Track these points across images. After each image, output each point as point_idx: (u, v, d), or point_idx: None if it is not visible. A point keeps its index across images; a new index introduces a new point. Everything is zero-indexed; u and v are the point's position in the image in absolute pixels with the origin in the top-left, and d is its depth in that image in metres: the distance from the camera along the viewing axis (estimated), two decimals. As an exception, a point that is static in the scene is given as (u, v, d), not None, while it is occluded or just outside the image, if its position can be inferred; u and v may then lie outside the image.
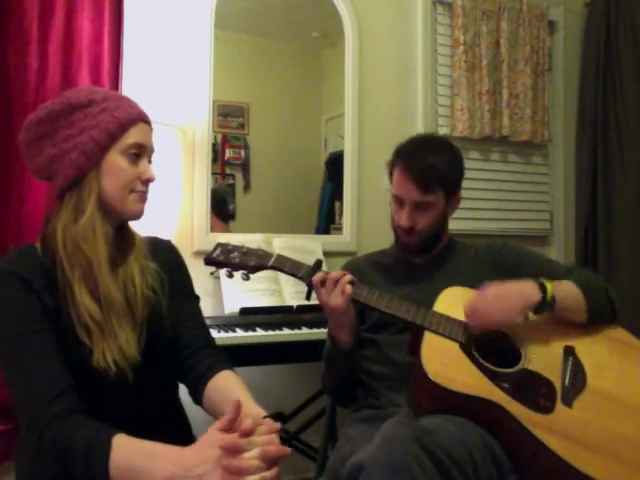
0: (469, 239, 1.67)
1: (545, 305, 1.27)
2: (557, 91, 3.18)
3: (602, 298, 1.36)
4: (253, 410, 1.01)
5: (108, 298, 1.07)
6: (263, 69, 2.65)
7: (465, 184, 1.56)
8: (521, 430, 1.12)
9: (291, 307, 2.17)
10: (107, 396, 1.06)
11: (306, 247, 2.38)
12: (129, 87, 2.10)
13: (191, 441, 0.94)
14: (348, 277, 1.34)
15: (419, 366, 1.19)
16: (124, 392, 1.08)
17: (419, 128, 2.74)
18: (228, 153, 2.56)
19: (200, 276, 2.04)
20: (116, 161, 1.10)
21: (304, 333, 1.98)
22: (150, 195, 1.17)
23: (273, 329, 1.95)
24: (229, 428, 0.91)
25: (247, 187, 2.61)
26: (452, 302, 1.35)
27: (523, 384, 1.21)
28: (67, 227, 1.07)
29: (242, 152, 2.60)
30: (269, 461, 0.90)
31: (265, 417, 0.98)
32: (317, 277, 1.34)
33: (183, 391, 1.22)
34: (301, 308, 2.15)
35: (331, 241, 2.59)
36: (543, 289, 1.28)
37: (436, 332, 1.28)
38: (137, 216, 1.15)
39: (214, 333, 1.81)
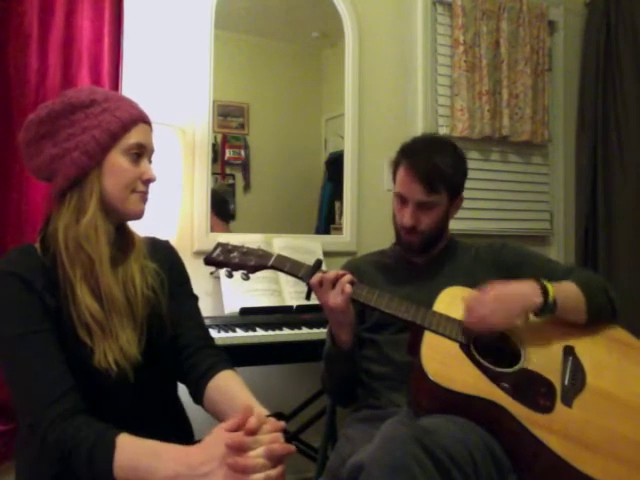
0: (469, 239, 1.67)
1: (547, 308, 1.27)
2: (557, 91, 3.18)
3: (602, 298, 1.36)
4: (256, 409, 1.01)
5: (110, 297, 1.08)
6: (263, 69, 2.65)
7: (465, 184, 1.56)
8: (521, 430, 1.12)
9: (291, 307, 2.17)
10: (108, 396, 1.06)
11: (306, 247, 2.38)
12: (129, 87, 2.10)
13: (192, 441, 0.94)
14: (348, 277, 1.34)
15: (419, 366, 1.19)
16: (125, 392, 1.08)
17: (419, 128, 2.74)
18: (228, 153, 2.56)
19: (200, 276, 2.04)
20: (117, 161, 1.10)
21: (304, 333, 1.98)
22: (150, 195, 1.17)
23: (273, 329, 1.95)
24: (236, 430, 0.91)
25: (247, 187, 2.61)
26: (452, 302, 1.35)
27: (523, 384, 1.21)
28: (69, 227, 1.08)
29: (242, 152, 2.60)
30: (274, 459, 0.90)
31: (268, 416, 0.98)
32: (317, 277, 1.34)
33: (183, 391, 1.22)
34: (301, 308, 2.15)
35: (331, 241, 2.59)
36: (544, 291, 1.27)
37: (436, 332, 1.28)
38: (138, 216, 1.16)
39: (214, 333, 1.81)
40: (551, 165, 3.18)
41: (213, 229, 2.34)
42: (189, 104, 2.32)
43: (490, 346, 1.28)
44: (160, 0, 2.28)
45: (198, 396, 1.15)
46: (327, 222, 2.73)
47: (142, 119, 1.14)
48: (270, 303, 2.18)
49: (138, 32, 2.20)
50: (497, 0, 2.89)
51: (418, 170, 1.43)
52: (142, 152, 1.13)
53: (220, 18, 2.36)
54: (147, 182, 1.14)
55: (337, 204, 2.70)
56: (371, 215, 2.65)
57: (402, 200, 1.47)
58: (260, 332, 1.92)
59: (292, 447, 0.93)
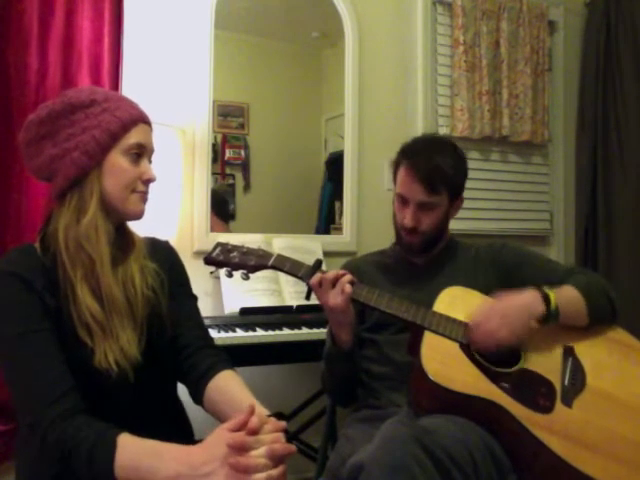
0: (469, 239, 1.67)
1: (550, 316, 1.27)
2: (557, 91, 3.18)
3: (603, 301, 1.36)
4: (257, 409, 1.01)
5: (110, 297, 1.08)
6: (263, 69, 2.65)
7: (465, 184, 1.56)
8: (521, 430, 1.12)
9: (291, 307, 2.17)
10: (108, 396, 1.06)
11: (306, 247, 2.38)
12: (129, 87, 2.10)
13: (192, 441, 0.94)
14: (348, 277, 1.34)
15: (419, 366, 1.19)
16: (125, 392, 1.08)
17: (419, 128, 2.74)
18: (228, 153, 2.56)
19: (200, 276, 2.04)
20: (117, 161, 1.10)
21: (304, 333, 1.98)
22: (150, 195, 1.17)
23: (273, 329, 1.95)
24: (238, 430, 0.91)
25: (247, 187, 2.61)
26: (452, 302, 1.35)
27: (523, 384, 1.21)
28: (69, 227, 1.08)
29: (242, 152, 2.60)
30: (276, 459, 0.90)
31: (269, 416, 0.98)
32: (316, 277, 1.34)
33: (183, 391, 1.22)
34: (301, 308, 2.15)
35: (331, 241, 2.59)
36: (546, 299, 1.27)
37: (436, 332, 1.28)
38: (138, 216, 1.16)
39: (214, 333, 1.81)
40: (551, 165, 3.18)
41: (213, 229, 2.34)
42: (189, 104, 2.32)
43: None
44: (160, 0, 2.28)
45: (198, 396, 1.15)
46: (327, 222, 2.73)
47: (142, 119, 1.14)
48: (270, 303, 2.18)
49: (138, 32, 2.20)
50: (497, 0, 2.89)
51: (419, 170, 1.42)
52: (142, 152, 1.13)
53: (220, 18, 2.36)
54: (147, 182, 1.14)
55: (337, 204, 2.70)
56: (371, 215, 2.65)
57: (403, 201, 1.47)
58: (260, 332, 1.92)
59: (293, 447, 0.93)
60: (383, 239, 1.76)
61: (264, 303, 2.17)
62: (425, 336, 1.27)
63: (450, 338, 1.27)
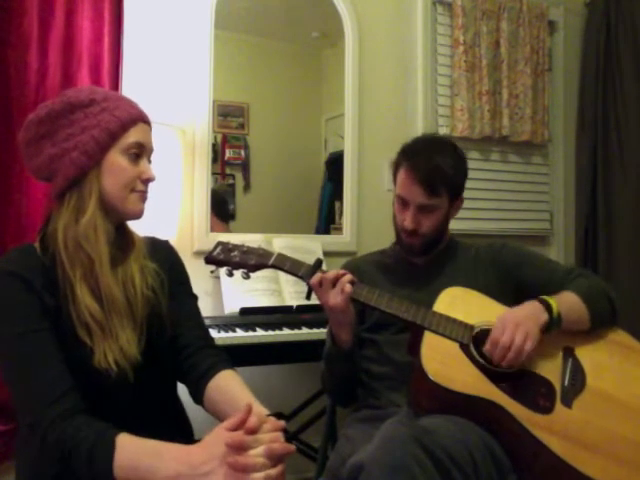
0: (469, 239, 1.67)
1: (553, 323, 1.26)
2: (557, 91, 3.18)
3: (604, 304, 1.36)
4: (256, 409, 1.01)
5: (110, 297, 1.07)
6: (263, 69, 2.65)
7: (466, 184, 1.55)
8: (521, 430, 1.12)
9: (291, 307, 2.17)
10: (108, 396, 1.06)
11: (306, 247, 2.38)
12: (129, 87, 2.10)
13: (192, 441, 0.94)
14: (348, 276, 1.34)
15: (419, 366, 1.19)
16: (125, 392, 1.08)
17: (419, 128, 2.74)
18: (228, 153, 2.56)
19: (200, 276, 2.04)
20: (117, 160, 1.10)
21: (304, 333, 1.98)
22: (150, 195, 1.17)
23: (273, 329, 1.95)
24: (237, 429, 0.91)
25: (247, 187, 2.61)
26: (452, 302, 1.35)
27: (523, 384, 1.21)
28: (68, 227, 1.07)
29: (242, 152, 2.60)
30: (274, 458, 0.90)
31: (269, 415, 0.98)
32: (317, 277, 1.34)
33: (183, 391, 1.22)
34: (301, 308, 2.15)
35: (331, 241, 2.59)
36: (548, 307, 1.27)
37: (436, 332, 1.28)
38: (137, 216, 1.16)
39: (214, 333, 1.81)
40: (551, 165, 3.18)
41: (213, 229, 2.34)
42: (189, 104, 2.32)
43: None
44: (160, 0, 2.28)
45: (198, 396, 1.15)
46: (327, 222, 2.73)
47: (141, 119, 1.14)
48: (270, 303, 2.18)
49: (138, 32, 2.20)
50: (497, 0, 2.89)
51: (419, 172, 1.42)
52: (141, 151, 1.13)
53: (220, 18, 2.36)
54: (146, 181, 1.14)
55: (337, 204, 2.70)
56: (371, 215, 2.65)
57: (403, 202, 1.47)
58: (260, 332, 1.92)
59: (292, 446, 0.93)
60: (383, 239, 1.76)
61: (264, 303, 2.17)
62: (425, 336, 1.27)
63: (450, 338, 1.27)
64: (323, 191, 2.75)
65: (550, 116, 3.09)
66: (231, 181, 2.58)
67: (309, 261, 1.40)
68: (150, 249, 1.21)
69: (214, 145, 2.43)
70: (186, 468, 0.89)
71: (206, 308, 2.10)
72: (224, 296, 2.14)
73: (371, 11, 2.70)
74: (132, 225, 1.20)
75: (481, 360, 1.23)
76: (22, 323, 1.02)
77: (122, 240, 1.16)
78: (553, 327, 1.27)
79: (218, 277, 2.18)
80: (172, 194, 2.13)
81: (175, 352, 1.19)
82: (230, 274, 1.39)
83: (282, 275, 2.20)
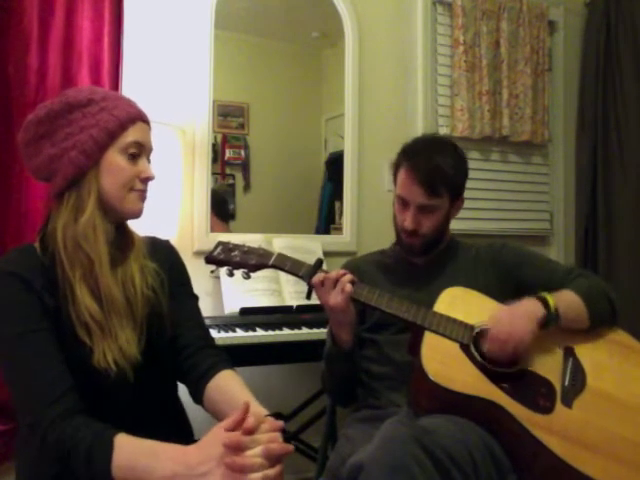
0: (469, 239, 1.67)
1: (550, 319, 1.27)
2: (557, 91, 3.18)
3: (603, 303, 1.36)
4: (255, 409, 1.00)
5: (109, 297, 1.07)
6: (263, 69, 2.65)
7: (466, 184, 1.55)
8: (521, 430, 1.12)
9: (291, 307, 2.17)
10: (108, 396, 1.06)
11: (306, 247, 2.38)
12: (129, 87, 2.10)
13: (191, 441, 0.94)
14: (348, 276, 1.34)
15: (419, 366, 1.19)
16: (125, 392, 1.08)
17: (419, 128, 2.74)
18: (228, 153, 2.56)
19: (200, 276, 2.04)
20: (115, 160, 1.10)
21: (304, 333, 1.98)
22: (150, 195, 1.17)
23: (273, 329, 1.95)
24: (235, 429, 0.91)
25: (247, 187, 2.61)
26: (452, 302, 1.35)
27: (523, 384, 1.21)
28: (67, 226, 1.07)
29: (242, 152, 2.60)
30: (272, 459, 0.90)
31: (267, 415, 0.98)
32: (319, 276, 1.34)
33: (183, 391, 1.22)
34: (301, 308, 2.15)
35: (331, 241, 2.59)
36: (545, 303, 1.27)
37: (436, 332, 1.28)
38: (136, 215, 1.15)
39: (214, 333, 1.81)
40: (551, 165, 3.18)
41: (213, 229, 2.34)
42: (189, 104, 2.32)
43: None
44: (160, 0, 2.28)
45: (198, 396, 1.15)
46: (327, 222, 2.73)
47: (140, 118, 1.14)
48: (270, 303, 2.18)
49: (138, 32, 2.20)
50: (497, 0, 2.89)
51: (419, 172, 1.42)
52: (140, 151, 1.13)
53: (220, 18, 2.36)
54: (145, 180, 1.14)
55: (337, 204, 2.70)
56: (371, 215, 2.65)
57: (403, 203, 1.46)
58: (260, 332, 1.92)
59: (290, 447, 0.93)
60: (383, 239, 1.76)
61: (264, 303, 2.17)
62: (425, 336, 1.27)
63: (450, 338, 1.27)
64: (323, 191, 2.75)
65: (550, 116, 3.09)
66: (231, 181, 2.58)
67: (309, 261, 1.40)
68: (150, 249, 1.21)
69: (214, 145, 2.43)
70: (183, 468, 0.88)
71: (206, 308, 2.09)
72: (224, 296, 2.14)
73: (371, 11, 2.70)
74: (132, 225, 1.20)
75: (481, 360, 1.23)
76: (22, 323, 1.02)
77: (122, 240, 1.16)
78: (551, 323, 1.27)
79: (218, 277, 2.18)
80: (172, 194, 2.13)
81: (175, 352, 1.19)
82: (231, 274, 1.39)
83: (282, 275, 2.20)
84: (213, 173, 2.41)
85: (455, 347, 1.26)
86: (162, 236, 1.32)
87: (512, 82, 2.92)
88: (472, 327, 1.29)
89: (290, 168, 2.73)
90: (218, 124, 2.49)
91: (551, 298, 1.28)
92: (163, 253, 1.25)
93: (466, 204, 1.59)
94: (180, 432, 1.21)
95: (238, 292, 2.15)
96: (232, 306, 2.13)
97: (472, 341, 1.27)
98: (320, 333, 1.91)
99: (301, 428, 2.30)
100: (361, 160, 2.66)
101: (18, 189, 1.92)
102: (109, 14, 2.05)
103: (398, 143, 1.55)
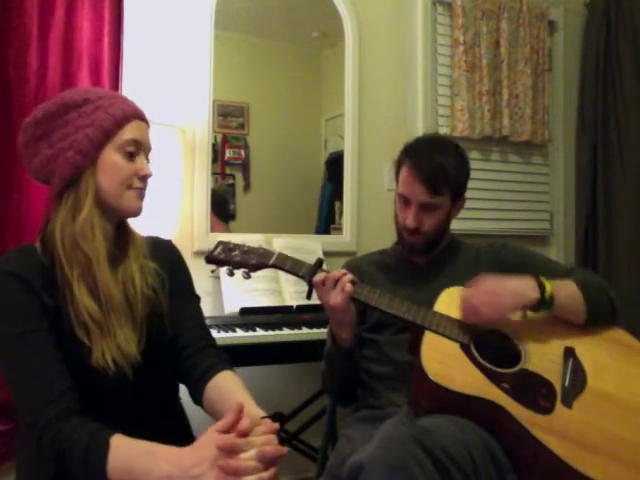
0: (469, 239, 1.67)
1: (543, 304, 1.27)
2: (557, 91, 3.18)
3: (602, 299, 1.36)
4: (252, 411, 1.00)
5: (108, 296, 1.07)
6: (263, 69, 2.65)
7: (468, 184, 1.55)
8: (521, 430, 1.12)
9: (291, 307, 2.17)
10: (107, 396, 1.06)
11: (306, 247, 2.38)
12: (129, 87, 2.10)
13: (191, 441, 0.94)
14: (349, 276, 1.34)
15: (419, 366, 1.19)
16: (124, 392, 1.08)
17: (419, 128, 2.74)
18: (228, 153, 2.56)
19: (200, 276, 2.03)
20: (112, 158, 1.10)
21: (304, 333, 1.98)
22: (150, 194, 1.17)
23: (273, 329, 1.95)
24: (228, 430, 0.91)
25: (247, 187, 2.61)
26: (452, 302, 1.35)
27: (523, 384, 1.21)
28: (65, 225, 1.07)
29: (242, 152, 2.60)
30: (266, 461, 0.89)
31: (263, 417, 0.98)
32: (320, 276, 1.34)
33: (183, 391, 1.22)
34: (301, 308, 2.15)
35: (331, 241, 2.59)
36: (541, 287, 1.28)
37: (436, 332, 1.28)
38: (135, 213, 1.15)
39: (214, 333, 1.81)
40: (551, 165, 3.18)
41: (213, 229, 2.34)
42: (189, 104, 2.32)
43: (490, 346, 1.28)
44: (160, 0, 2.28)
45: (197, 396, 1.15)
46: (327, 222, 2.73)
47: (136, 116, 1.13)
48: (270, 303, 2.18)
49: (138, 32, 2.20)
50: (497, 0, 2.89)
51: (421, 171, 1.42)
52: (137, 149, 1.13)
53: (220, 18, 2.36)
54: (143, 178, 1.14)
55: (337, 204, 2.70)
56: (371, 215, 2.65)
57: (405, 201, 1.47)
58: (260, 332, 1.92)
59: (284, 449, 0.92)
60: (383, 239, 1.76)
61: (264, 303, 2.17)
62: (425, 336, 1.27)
63: (451, 338, 1.27)
64: (323, 191, 2.75)
65: (550, 116, 3.09)
66: (231, 181, 2.58)
67: (309, 261, 1.40)
68: (151, 248, 1.21)
69: (214, 145, 2.43)
70: (177, 470, 0.88)
71: (206, 308, 2.08)
72: (224, 296, 2.14)
73: (371, 11, 2.70)
74: (132, 225, 1.20)
75: (482, 360, 1.23)
76: (21, 323, 1.02)
77: (122, 239, 1.16)
78: (543, 307, 1.28)
79: (218, 277, 2.18)
80: (172, 194, 2.13)
81: (175, 352, 1.19)
82: (231, 274, 1.39)
83: (282, 275, 2.20)
84: (213, 173, 2.41)
85: (455, 347, 1.26)
86: (163, 236, 1.32)
87: (512, 82, 2.92)
88: (472, 327, 1.29)
89: (290, 168, 2.73)
90: (218, 124, 2.49)
91: (549, 284, 1.28)
92: (164, 253, 1.25)
93: (466, 204, 1.59)
94: (180, 432, 1.21)
95: (238, 292, 2.15)
96: (232, 306, 2.13)
97: (472, 341, 1.27)
98: (320, 333, 1.91)
99: (301, 428, 2.30)
100: (361, 160, 2.66)
101: (18, 189, 1.92)
102: (109, 14, 2.05)
103: (398, 143, 1.55)
